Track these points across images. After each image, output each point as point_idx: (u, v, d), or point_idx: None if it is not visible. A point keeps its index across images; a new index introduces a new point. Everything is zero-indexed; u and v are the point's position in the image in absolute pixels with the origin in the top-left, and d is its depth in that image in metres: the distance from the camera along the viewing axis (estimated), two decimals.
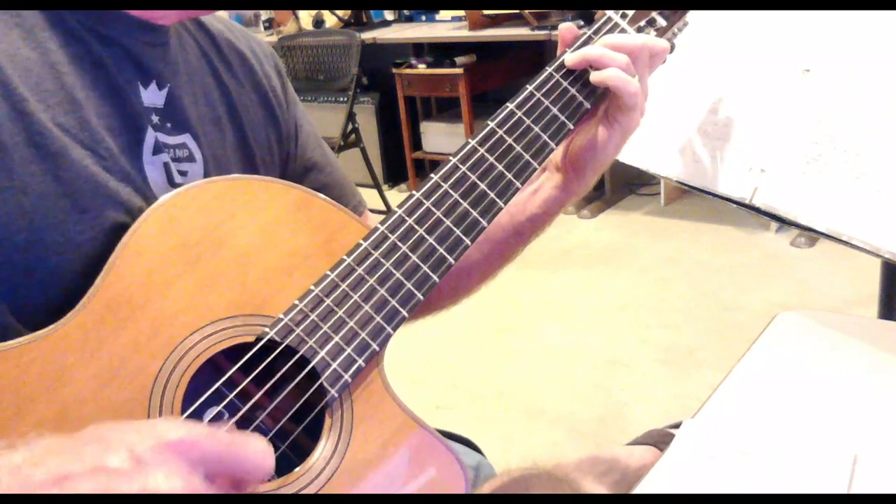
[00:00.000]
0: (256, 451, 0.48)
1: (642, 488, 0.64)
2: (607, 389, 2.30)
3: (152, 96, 0.69)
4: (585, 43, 0.78)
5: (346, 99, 3.71)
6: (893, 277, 1.10)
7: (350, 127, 3.66)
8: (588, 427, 2.13)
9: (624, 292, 2.86)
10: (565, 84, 0.76)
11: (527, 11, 3.61)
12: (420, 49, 4.08)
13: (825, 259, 2.87)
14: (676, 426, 0.75)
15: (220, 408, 0.61)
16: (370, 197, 3.58)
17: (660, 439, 0.98)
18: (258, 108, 0.80)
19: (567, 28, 0.79)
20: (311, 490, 0.59)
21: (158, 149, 0.68)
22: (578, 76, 0.77)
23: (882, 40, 0.82)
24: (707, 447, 0.68)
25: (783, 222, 0.85)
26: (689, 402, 2.10)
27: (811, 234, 0.90)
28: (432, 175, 0.70)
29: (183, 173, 0.70)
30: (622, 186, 3.78)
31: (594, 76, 0.76)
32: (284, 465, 0.61)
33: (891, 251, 0.76)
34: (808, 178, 0.82)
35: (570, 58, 0.77)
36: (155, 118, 0.69)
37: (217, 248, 0.63)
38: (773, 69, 0.89)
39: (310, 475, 0.60)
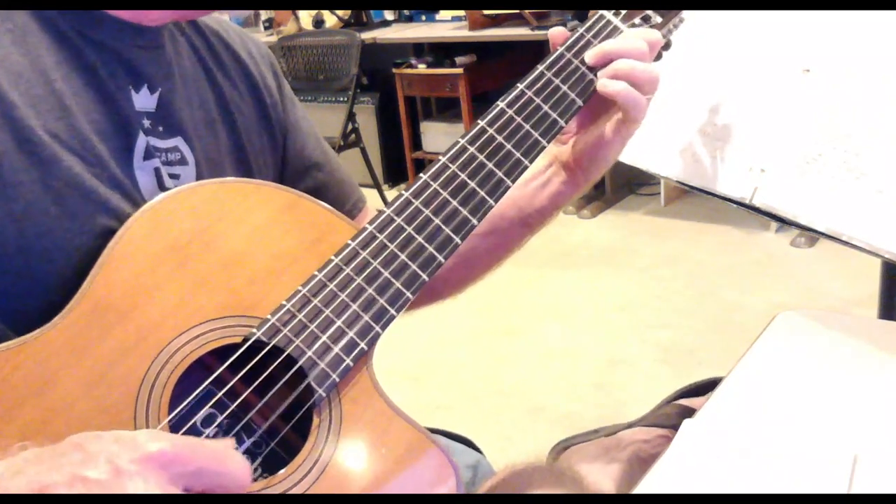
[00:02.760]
0: (235, 466, 0.48)
1: (642, 488, 0.64)
2: (607, 389, 2.30)
3: (144, 100, 0.68)
4: (579, 40, 0.78)
5: (346, 99, 3.72)
6: (893, 277, 1.10)
7: (350, 127, 3.66)
8: (588, 427, 2.12)
9: (624, 292, 2.86)
10: (556, 82, 0.75)
11: (527, 11, 3.61)
12: (420, 49, 4.08)
13: (825, 259, 2.87)
14: (702, 390, 0.74)
15: (208, 407, 0.60)
16: (370, 197, 3.60)
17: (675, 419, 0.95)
18: (253, 109, 0.80)
19: (559, 31, 0.79)
20: (298, 490, 0.59)
21: (149, 154, 0.67)
22: (570, 74, 0.76)
23: (882, 40, 0.82)
24: (707, 447, 0.68)
25: (783, 222, 0.85)
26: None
27: (811, 234, 0.90)
28: (421, 174, 0.70)
29: (174, 177, 0.69)
30: (622, 186, 3.78)
31: (601, 85, 0.75)
32: (274, 464, 0.60)
33: (891, 251, 0.76)
34: (807, 177, 0.82)
35: (590, 54, 0.76)
36: (147, 122, 0.68)
37: (205, 250, 0.63)
38: (773, 69, 0.88)
39: (297, 475, 0.59)
